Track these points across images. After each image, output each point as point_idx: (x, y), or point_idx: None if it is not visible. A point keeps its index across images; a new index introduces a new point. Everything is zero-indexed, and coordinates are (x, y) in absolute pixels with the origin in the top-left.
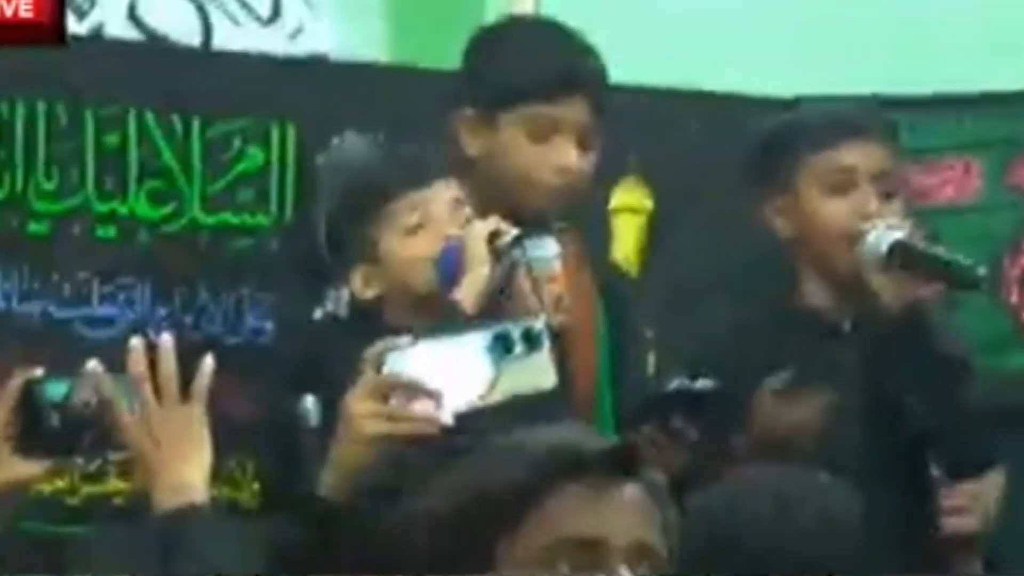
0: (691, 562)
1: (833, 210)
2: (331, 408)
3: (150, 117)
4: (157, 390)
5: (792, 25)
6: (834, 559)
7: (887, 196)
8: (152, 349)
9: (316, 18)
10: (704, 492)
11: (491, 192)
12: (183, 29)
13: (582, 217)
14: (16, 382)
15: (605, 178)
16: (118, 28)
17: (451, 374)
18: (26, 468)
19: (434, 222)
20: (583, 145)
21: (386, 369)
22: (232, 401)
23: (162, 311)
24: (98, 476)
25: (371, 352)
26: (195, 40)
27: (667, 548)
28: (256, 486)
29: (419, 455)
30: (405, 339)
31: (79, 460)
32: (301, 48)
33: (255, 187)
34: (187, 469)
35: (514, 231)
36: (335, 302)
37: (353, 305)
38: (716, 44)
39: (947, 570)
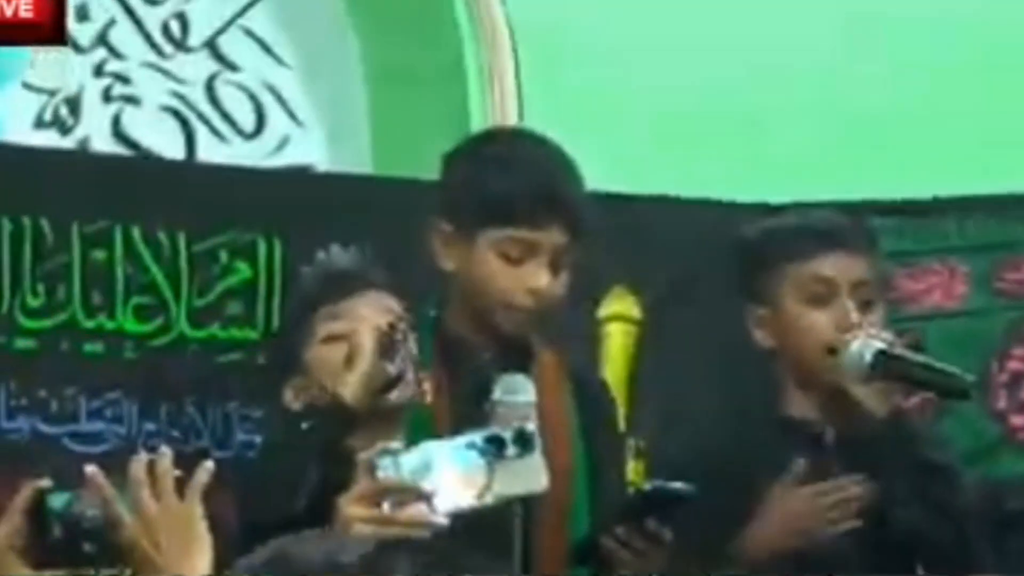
0: None
1: (813, 321)
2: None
3: (136, 232)
4: (154, 489)
5: (777, 132)
6: None
7: (867, 304)
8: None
9: (300, 130)
10: None
11: (467, 307)
12: (167, 144)
13: (559, 332)
14: (26, 493)
15: (593, 287)
16: (103, 143)
17: (445, 476)
18: None
19: (353, 332)
20: (556, 267)
21: (380, 473)
22: (223, 514)
23: (150, 426)
24: None
25: (364, 456)
26: (179, 154)
27: None
28: None
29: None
30: (397, 443)
31: (88, 572)
32: (285, 161)
33: (242, 301)
34: (190, 568)
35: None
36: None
37: (285, 419)
38: (702, 151)
39: None
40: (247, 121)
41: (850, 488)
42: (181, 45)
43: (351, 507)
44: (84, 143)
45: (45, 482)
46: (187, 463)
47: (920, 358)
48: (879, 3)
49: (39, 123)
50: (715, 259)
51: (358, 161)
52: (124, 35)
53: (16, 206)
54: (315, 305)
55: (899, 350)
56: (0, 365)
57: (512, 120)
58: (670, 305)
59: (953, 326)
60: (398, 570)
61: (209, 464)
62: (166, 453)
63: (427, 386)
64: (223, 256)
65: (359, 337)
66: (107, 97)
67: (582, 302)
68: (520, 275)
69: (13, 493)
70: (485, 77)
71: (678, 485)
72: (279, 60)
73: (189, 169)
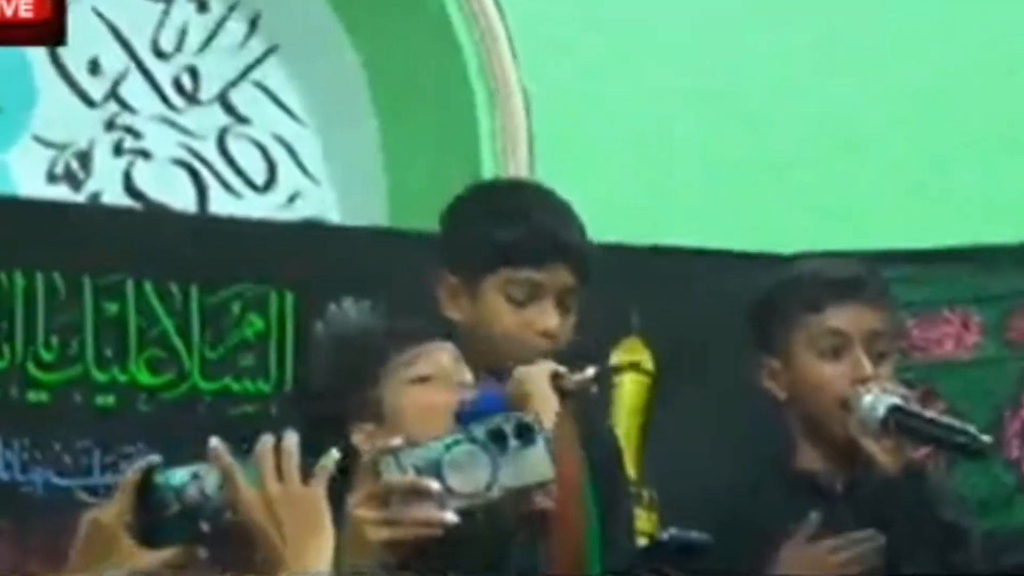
0: None
1: (826, 373)
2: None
3: (148, 285)
4: (279, 470)
5: (791, 180)
6: None
7: (881, 356)
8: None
9: (312, 183)
10: None
11: (474, 355)
12: (178, 197)
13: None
14: (136, 471)
15: (606, 338)
16: (114, 197)
17: (449, 473)
18: (147, 558)
19: (444, 372)
20: (564, 307)
21: (384, 473)
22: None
23: None
24: None
25: (367, 458)
26: (191, 208)
27: None
28: None
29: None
30: (398, 441)
31: (201, 551)
32: (296, 214)
33: (255, 353)
34: (311, 554)
35: (590, 370)
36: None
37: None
38: (715, 201)
39: None
40: (258, 174)
41: (864, 544)
42: (192, 98)
43: (359, 509)
44: (95, 197)
45: (155, 457)
46: None
47: (934, 415)
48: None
49: (51, 177)
50: (727, 310)
51: (369, 215)
52: (135, 89)
53: (29, 260)
54: (389, 354)
55: (913, 406)
56: (13, 418)
57: (524, 170)
58: (681, 356)
59: (965, 375)
60: None
61: (336, 452)
62: (293, 434)
63: None
64: (235, 308)
65: (537, 382)
66: (118, 151)
67: (591, 351)
68: (528, 317)
69: (27, 547)
70: (498, 136)
71: (695, 534)
72: (291, 113)
73: (201, 222)
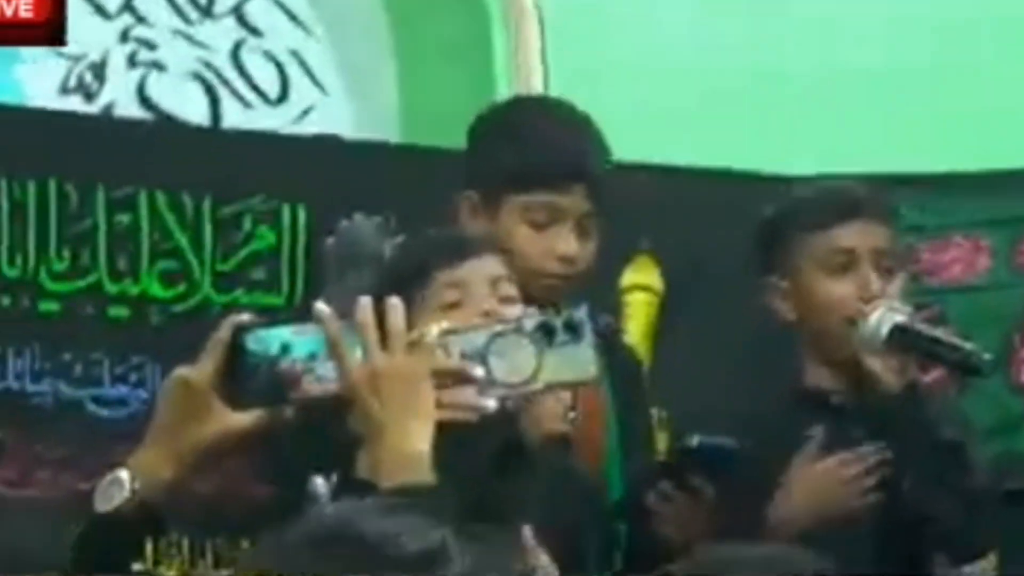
0: None
1: (834, 291)
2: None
3: (161, 197)
4: (384, 340)
5: (803, 103)
6: None
7: (888, 273)
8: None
9: (325, 98)
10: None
11: None
12: (191, 109)
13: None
14: (225, 330)
15: (616, 257)
16: (128, 109)
17: (493, 361)
18: (235, 419)
19: (472, 299)
20: (584, 232)
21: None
22: (247, 483)
23: None
24: None
25: (412, 337)
26: (204, 121)
27: None
28: None
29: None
30: (444, 325)
31: (288, 413)
32: (309, 128)
33: (266, 267)
34: (413, 432)
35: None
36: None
37: None
38: (726, 122)
39: None
40: (272, 88)
41: (872, 458)
42: (207, 11)
43: None
44: (108, 108)
45: (245, 316)
46: None
47: (937, 333)
48: None
49: (64, 88)
50: (735, 230)
51: (382, 130)
52: (150, 1)
53: (42, 170)
54: (427, 273)
55: (917, 324)
56: (25, 328)
57: (537, 90)
58: (690, 276)
59: (975, 300)
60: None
61: (435, 326)
62: (398, 303)
63: None
64: (247, 222)
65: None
66: (132, 63)
67: (603, 271)
68: (547, 240)
69: (36, 456)
70: (511, 46)
71: (723, 440)
72: (305, 27)
73: (214, 135)
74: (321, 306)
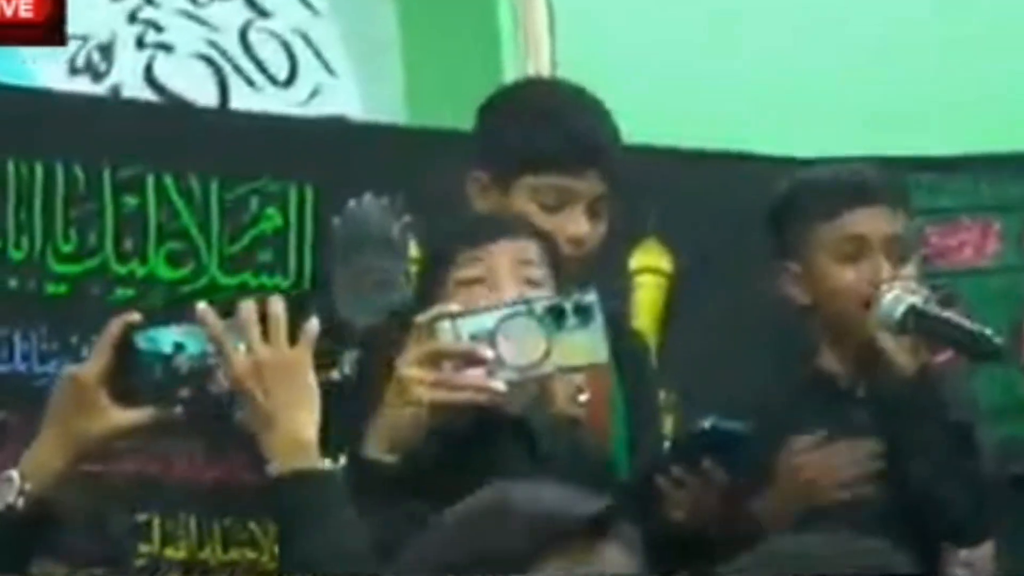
0: None
1: (845, 277)
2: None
3: (168, 178)
4: (265, 334)
5: (812, 85)
6: None
7: (900, 259)
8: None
9: (333, 80)
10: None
11: None
12: (199, 91)
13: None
14: (115, 329)
15: (625, 239)
16: (135, 90)
17: (504, 344)
18: (124, 417)
19: (493, 277)
20: (594, 214)
21: (439, 336)
22: (252, 463)
23: None
24: None
25: (422, 319)
26: (212, 102)
27: None
28: (276, 549)
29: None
30: (455, 307)
31: (178, 411)
32: (317, 110)
33: (273, 249)
34: (301, 421)
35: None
36: (351, 364)
37: None
38: (736, 104)
39: None
40: (280, 69)
41: (863, 449)
42: None
43: (410, 369)
44: (116, 90)
45: (135, 315)
46: None
47: (951, 316)
48: None
49: (72, 70)
50: (745, 212)
51: (390, 112)
52: None
53: (49, 151)
54: (456, 250)
55: (931, 307)
56: (31, 309)
57: (545, 71)
58: (700, 259)
59: (985, 283)
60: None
61: (316, 320)
62: (278, 299)
63: None
64: (255, 204)
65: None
66: (140, 44)
67: (613, 254)
68: (558, 222)
69: None
70: (519, 27)
71: (735, 424)
72: (313, 8)
73: (222, 116)
74: (202, 306)
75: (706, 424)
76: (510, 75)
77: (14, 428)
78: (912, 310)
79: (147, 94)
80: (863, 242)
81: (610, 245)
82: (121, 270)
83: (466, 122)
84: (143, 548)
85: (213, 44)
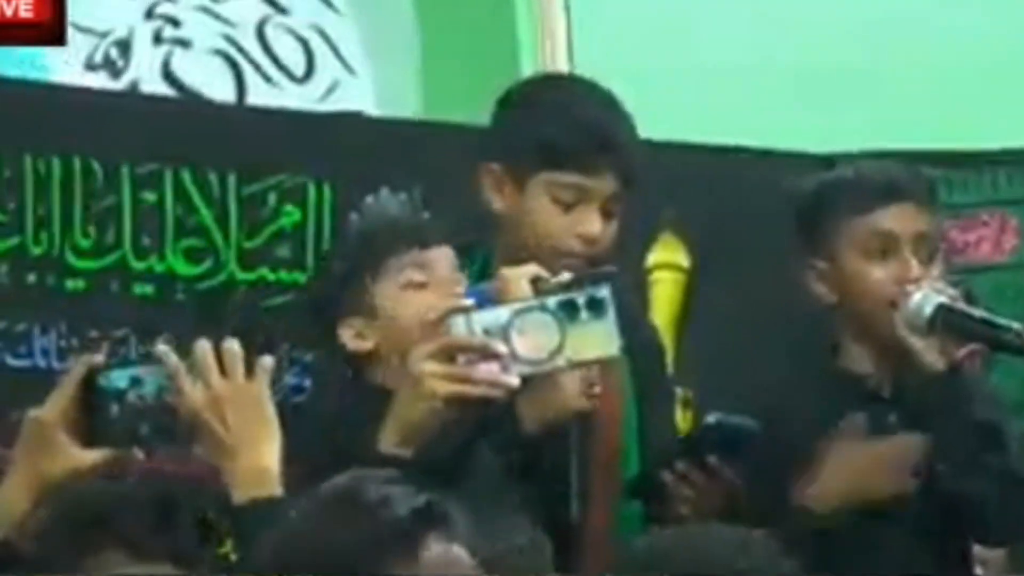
0: None
1: (874, 275)
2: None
3: (186, 174)
4: (222, 368)
5: (829, 80)
6: None
7: (928, 258)
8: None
9: (350, 76)
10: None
11: (515, 249)
12: (217, 87)
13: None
14: (78, 370)
15: (642, 235)
16: (153, 86)
17: (517, 338)
18: (84, 458)
19: (438, 282)
20: (607, 213)
21: (452, 330)
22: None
23: None
24: None
25: (434, 315)
26: (229, 98)
27: None
28: None
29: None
30: (469, 302)
31: (138, 452)
32: (334, 106)
33: (291, 244)
34: (262, 451)
35: (564, 275)
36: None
37: (347, 362)
38: (753, 99)
39: None
40: (297, 65)
41: (911, 446)
42: None
43: (424, 363)
44: (134, 85)
45: (99, 357)
46: None
47: (980, 313)
48: None
49: (90, 65)
50: (762, 208)
51: (407, 108)
52: None
53: (67, 147)
54: (394, 249)
55: (960, 304)
56: (50, 306)
57: (562, 67)
58: (720, 255)
59: (1002, 278)
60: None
61: (270, 359)
62: (233, 339)
63: None
64: (272, 199)
65: (516, 283)
66: (158, 40)
67: (631, 249)
68: (571, 220)
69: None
70: (536, 23)
71: (742, 419)
72: (330, 4)
73: (240, 112)
74: (161, 346)
75: (711, 419)
76: (527, 72)
77: None
78: (942, 309)
79: (164, 90)
80: (893, 239)
81: (627, 241)
82: (139, 266)
83: (483, 118)
84: None
85: (230, 40)
